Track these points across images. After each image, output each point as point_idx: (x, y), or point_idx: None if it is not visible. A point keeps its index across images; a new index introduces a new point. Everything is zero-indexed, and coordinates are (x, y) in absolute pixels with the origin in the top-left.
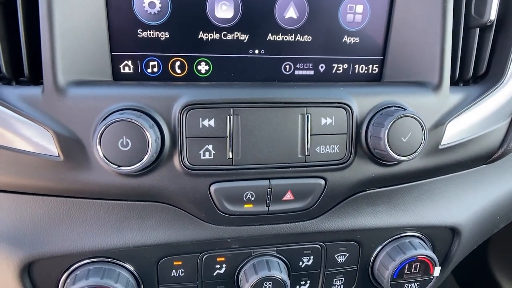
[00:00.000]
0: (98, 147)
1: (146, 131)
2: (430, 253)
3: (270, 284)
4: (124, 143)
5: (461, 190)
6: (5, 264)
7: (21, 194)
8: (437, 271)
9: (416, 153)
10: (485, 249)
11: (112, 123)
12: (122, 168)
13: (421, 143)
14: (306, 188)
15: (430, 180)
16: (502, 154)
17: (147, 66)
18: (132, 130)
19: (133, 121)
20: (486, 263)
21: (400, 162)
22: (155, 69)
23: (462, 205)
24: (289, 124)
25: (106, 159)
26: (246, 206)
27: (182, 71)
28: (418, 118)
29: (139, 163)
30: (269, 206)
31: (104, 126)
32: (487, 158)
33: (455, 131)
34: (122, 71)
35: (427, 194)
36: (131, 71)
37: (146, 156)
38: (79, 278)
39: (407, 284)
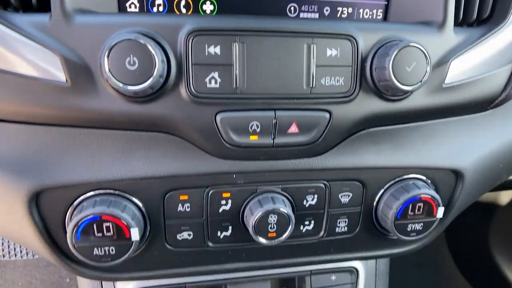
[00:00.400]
0: (105, 65)
1: (152, 51)
2: (433, 193)
3: (275, 217)
4: (131, 62)
5: (464, 135)
6: (13, 194)
7: (28, 124)
8: (440, 212)
9: (421, 83)
10: (488, 240)
11: (119, 42)
12: (129, 87)
13: (425, 73)
14: (311, 120)
15: (434, 122)
16: (505, 99)
17: (152, 5)
18: (139, 49)
19: (140, 40)
20: (490, 254)
21: (404, 94)
22: (161, 8)
23: (465, 149)
24: (295, 54)
25: (113, 76)
26: (251, 137)
27: (187, 10)
28: (422, 49)
29: (146, 83)
30: (274, 138)
31: (111, 45)
32: (490, 102)
33: (458, 71)
34: (128, 9)
35: (431, 136)
36: (137, 9)
37: (153, 76)
38: (86, 207)
39: (410, 225)
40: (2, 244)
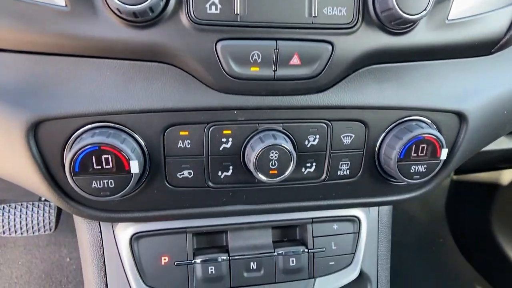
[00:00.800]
0: None
1: None
2: (437, 133)
3: (276, 154)
4: None
5: (468, 78)
6: (11, 125)
7: (26, 53)
8: (444, 153)
9: (425, 11)
10: (489, 220)
11: None
12: (128, 6)
13: (429, 2)
14: (313, 52)
15: (438, 62)
16: (509, 41)
17: None
18: None
19: None
20: (491, 234)
21: (407, 25)
22: None
23: (469, 92)
24: None
25: None
26: (252, 69)
27: None
28: None
29: (145, 2)
30: (276, 70)
31: None
32: (494, 43)
33: (462, 8)
34: None
35: (435, 76)
36: None
37: None
38: (84, 139)
39: (414, 166)
40: (2, 221)
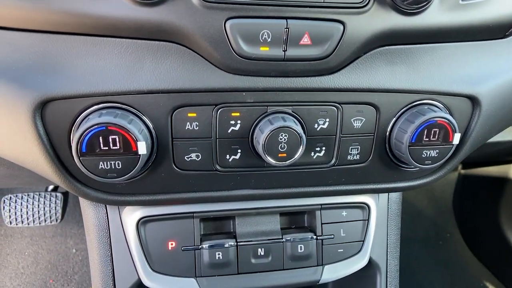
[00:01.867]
0: None
1: None
2: (450, 117)
3: (285, 136)
4: None
5: (482, 61)
6: (18, 105)
7: (33, 31)
8: (456, 138)
9: None
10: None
11: None
12: None
13: None
14: (324, 31)
15: (451, 44)
16: None
17: None
18: None
19: None
20: (500, 228)
21: (421, 4)
22: None
23: (482, 76)
24: None
25: None
26: (262, 48)
27: None
28: None
29: None
30: (286, 50)
31: None
32: (509, 25)
33: None
34: None
35: (448, 59)
36: None
37: None
38: (91, 118)
39: (426, 151)
40: (9, 211)
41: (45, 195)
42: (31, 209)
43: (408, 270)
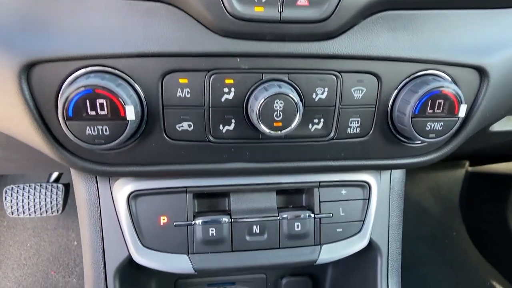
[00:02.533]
0: None
1: None
2: (456, 87)
3: (281, 104)
4: None
5: (491, 30)
6: (3, 67)
7: None
8: (462, 110)
9: None
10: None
11: None
12: None
13: None
14: None
15: (457, 11)
16: None
17: None
18: None
19: None
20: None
21: None
22: None
23: (491, 46)
24: None
25: None
26: (256, 9)
27: None
28: None
29: None
30: (282, 11)
31: None
32: None
33: None
34: None
35: (454, 27)
36: None
37: None
38: (78, 81)
39: (429, 123)
40: (11, 201)
41: (46, 186)
42: (32, 200)
43: (413, 268)
